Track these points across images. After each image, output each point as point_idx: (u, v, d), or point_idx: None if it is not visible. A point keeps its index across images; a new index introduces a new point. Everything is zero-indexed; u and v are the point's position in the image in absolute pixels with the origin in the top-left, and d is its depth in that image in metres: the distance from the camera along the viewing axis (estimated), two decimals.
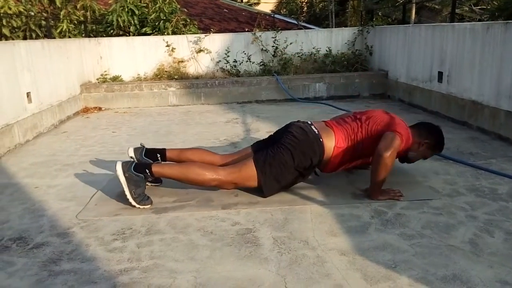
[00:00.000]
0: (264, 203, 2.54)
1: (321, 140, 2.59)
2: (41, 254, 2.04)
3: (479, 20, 9.30)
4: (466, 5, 11.29)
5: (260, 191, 2.59)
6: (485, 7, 10.02)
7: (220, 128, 4.62)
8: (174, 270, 1.88)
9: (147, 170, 2.52)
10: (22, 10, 6.32)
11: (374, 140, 2.57)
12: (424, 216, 2.33)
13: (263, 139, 2.92)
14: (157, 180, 2.83)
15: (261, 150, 2.64)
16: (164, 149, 2.88)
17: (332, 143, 2.60)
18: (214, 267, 1.89)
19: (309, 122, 2.72)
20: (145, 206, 2.51)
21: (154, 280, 1.80)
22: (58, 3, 6.68)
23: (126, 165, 2.50)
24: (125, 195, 2.48)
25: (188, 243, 2.11)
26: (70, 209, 2.55)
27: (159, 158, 2.85)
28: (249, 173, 2.54)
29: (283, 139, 2.61)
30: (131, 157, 2.81)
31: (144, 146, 2.89)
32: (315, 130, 2.63)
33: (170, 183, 2.90)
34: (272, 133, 2.89)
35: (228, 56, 6.70)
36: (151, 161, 2.76)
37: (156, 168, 2.56)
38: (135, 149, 2.85)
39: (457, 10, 8.25)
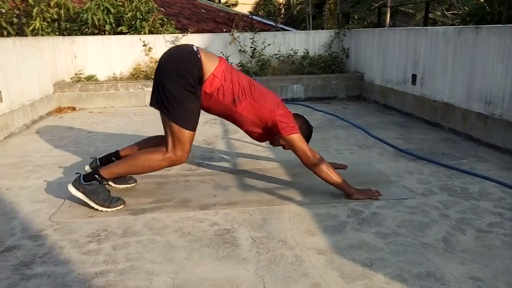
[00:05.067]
0: (242, 204, 2.54)
1: (198, 56, 2.46)
2: (13, 257, 1.98)
3: (451, 25, 9.58)
4: (438, 10, 11.61)
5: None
6: (456, 12, 10.33)
7: (198, 128, 4.56)
8: (151, 272, 1.85)
9: (96, 175, 2.50)
10: None
11: (251, 104, 2.55)
12: (399, 215, 2.38)
13: None
14: (125, 180, 2.83)
15: None
16: (117, 151, 2.86)
17: (211, 67, 2.47)
18: (192, 268, 1.88)
19: (195, 47, 2.53)
20: (118, 207, 2.48)
21: (130, 283, 1.77)
22: (30, 1, 6.49)
23: (76, 182, 2.48)
24: (93, 208, 2.46)
25: (166, 244, 2.09)
26: (43, 211, 2.48)
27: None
28: (174, 129, 2.45)
29: (163, 72, 2.45)
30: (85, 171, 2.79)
31: (95, 158, 2.88)
32: (195, 49, 2.50)
33: (146, 184, 2.87)
34: None
35: None
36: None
37: (104, 171, 2.52)
38: (90, 165, 2.85)
39: (430, 15, 8.48)
